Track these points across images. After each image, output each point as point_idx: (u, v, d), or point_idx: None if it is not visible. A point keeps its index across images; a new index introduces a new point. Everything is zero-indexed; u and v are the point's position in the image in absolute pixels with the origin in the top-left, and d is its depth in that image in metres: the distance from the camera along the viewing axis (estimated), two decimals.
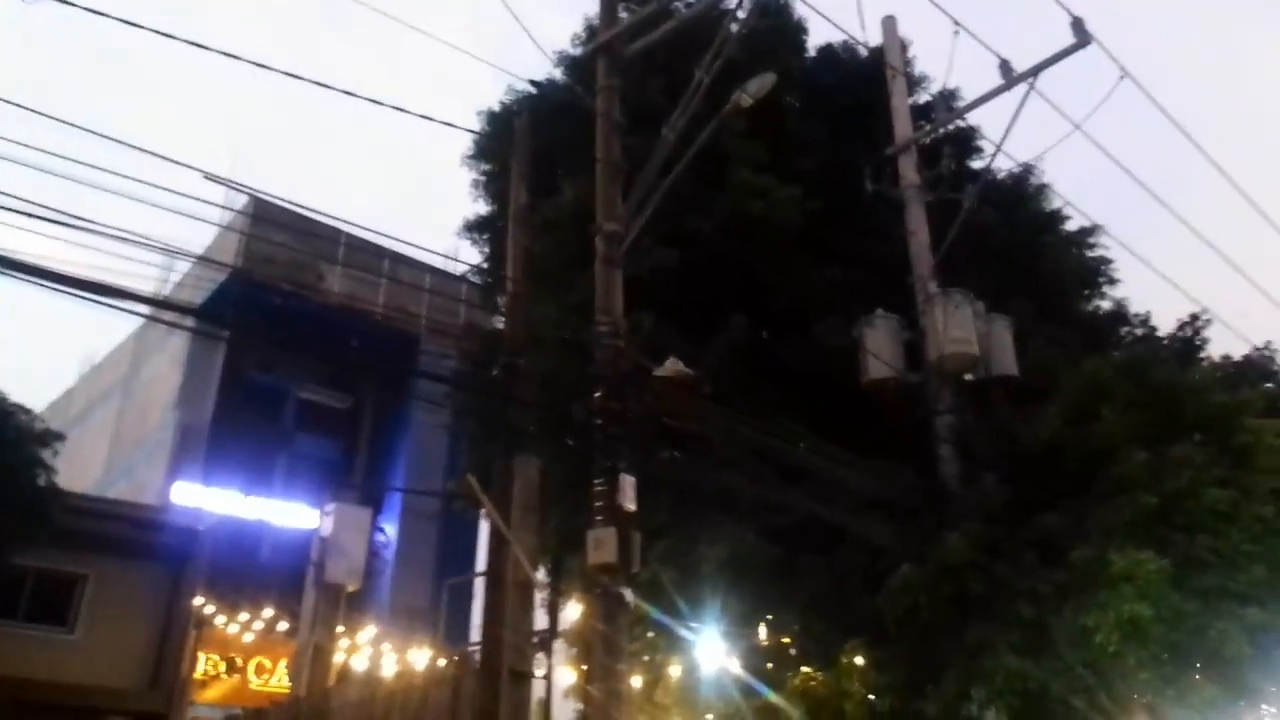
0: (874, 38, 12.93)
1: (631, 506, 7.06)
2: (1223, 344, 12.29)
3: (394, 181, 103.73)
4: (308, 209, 9.63)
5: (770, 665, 9.58)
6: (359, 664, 17.92)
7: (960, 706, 8.02)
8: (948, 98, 13.04)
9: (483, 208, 14.22)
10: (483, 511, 8.95)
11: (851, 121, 12.94)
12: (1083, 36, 10.46)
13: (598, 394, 7.39)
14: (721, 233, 11.08)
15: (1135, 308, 13.69)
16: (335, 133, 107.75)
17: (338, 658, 16.24)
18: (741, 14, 9.25)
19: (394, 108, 7.96)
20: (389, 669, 16.38)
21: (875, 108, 12.62)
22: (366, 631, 19.54)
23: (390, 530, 26.17)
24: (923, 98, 13.59)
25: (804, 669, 9.59)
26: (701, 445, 8.68)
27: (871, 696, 8.84)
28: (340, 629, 16.30)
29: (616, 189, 8.41)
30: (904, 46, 13.00)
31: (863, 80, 13.10)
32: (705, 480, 9.00)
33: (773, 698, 9.28)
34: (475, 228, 14.32)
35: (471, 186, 14.16)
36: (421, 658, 17.24)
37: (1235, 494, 8.27)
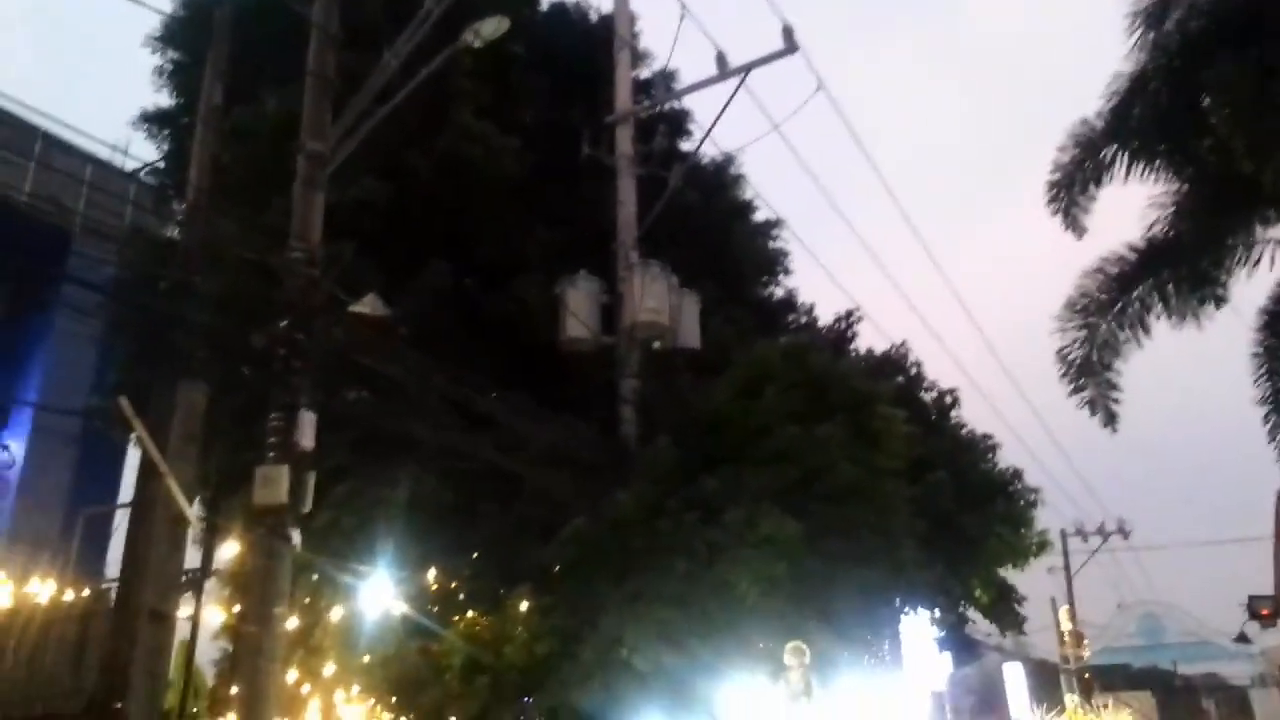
0: (605, 4, 13.15)
1: (309, 444, 6.72)
2: (869, 339, 14.02)
3: (59, 55, 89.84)
4: None
5: (436, 608, 9.61)
6: None
7: (613, 651, 8.53)
8: (668, 77, 13.56)
9: (166, 100, 12.76)
10: (134, 437, 8.09)
11: (574, 83, 13.05)
12: (791, 44, 11.31)
13: (283, 323, 6.93)
14: (436, 174, 10.76)
15: (803, 298, 15.18)
16: None
17: None
18: None
19: None
20: (2, 602, 14.42)
21: (599, 74, 12.83)
22: None
23: (16, 449, 22.96)
24: (644, 73, 13.99)
25: (470, 613, 9.75)
26: (390, 387, 8.47)
27: (533, 640, 9.17)
28: None
29: (326, 107, 7.86)
30: (633, 19, 13.31)
31: (590, 45, 13.25)
32: (390, 423, 8.78)
33: (436, 639, 9.34)
34: (155, 120, 12.79)
35: (155, 74, 12.63)
36: (45, 591, 15.35)
37: (864, 471, 9.52)
